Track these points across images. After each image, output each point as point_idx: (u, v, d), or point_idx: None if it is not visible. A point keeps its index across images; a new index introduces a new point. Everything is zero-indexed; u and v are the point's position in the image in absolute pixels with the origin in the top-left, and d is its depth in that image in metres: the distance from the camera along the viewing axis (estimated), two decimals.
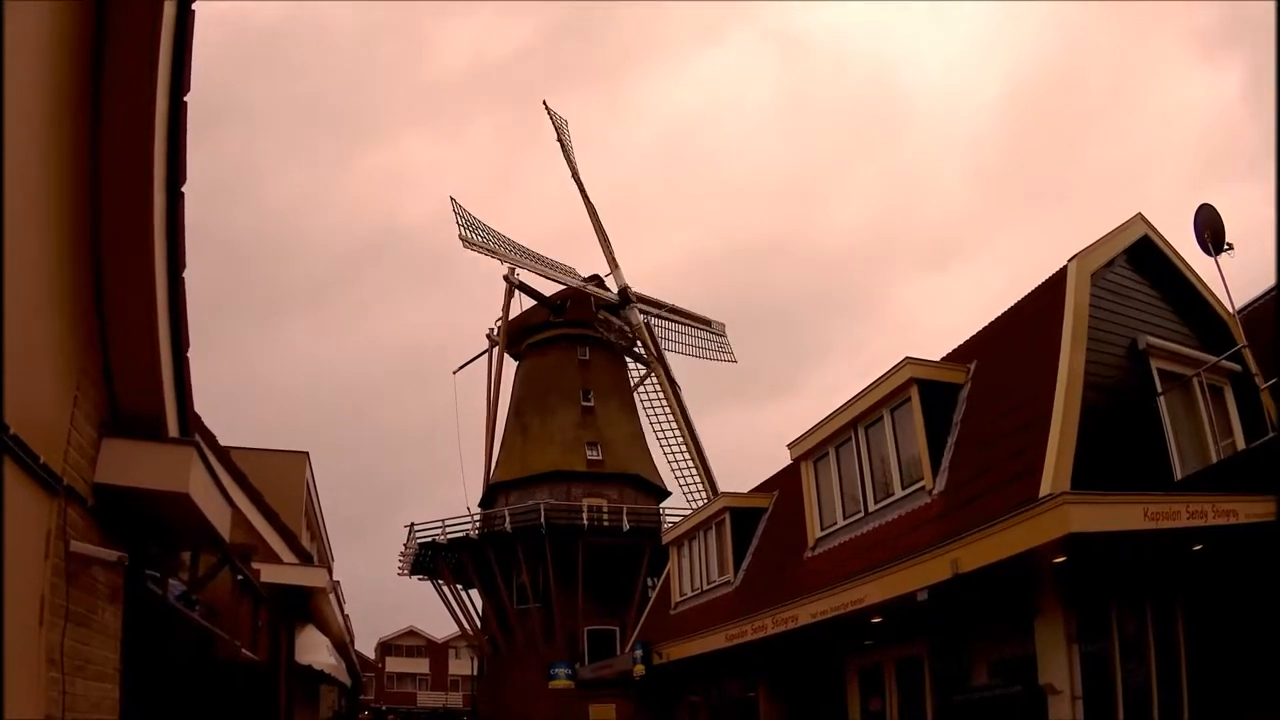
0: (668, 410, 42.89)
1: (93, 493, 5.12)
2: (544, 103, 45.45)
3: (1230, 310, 12.31)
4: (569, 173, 44.96)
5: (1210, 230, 11.20)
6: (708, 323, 45.79)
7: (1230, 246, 11.17)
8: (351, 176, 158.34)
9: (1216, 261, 11.30)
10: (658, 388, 43.27)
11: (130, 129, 4.52)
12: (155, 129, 4.51)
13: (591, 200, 44.52)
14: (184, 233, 5.19)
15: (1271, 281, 13.49)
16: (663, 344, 43.98)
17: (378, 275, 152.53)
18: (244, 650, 9.69)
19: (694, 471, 42.05)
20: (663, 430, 42.86)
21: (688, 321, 45.11)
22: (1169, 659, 9.03)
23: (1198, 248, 11.51)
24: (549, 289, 43.71)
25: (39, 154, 4.20)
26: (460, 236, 40.88)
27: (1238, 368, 11.80)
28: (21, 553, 4.16)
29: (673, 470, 42.34)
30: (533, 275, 43.26)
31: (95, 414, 5.16)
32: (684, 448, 42.38)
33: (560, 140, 45.18)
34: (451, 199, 41.29)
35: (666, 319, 44.27)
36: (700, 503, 39.32)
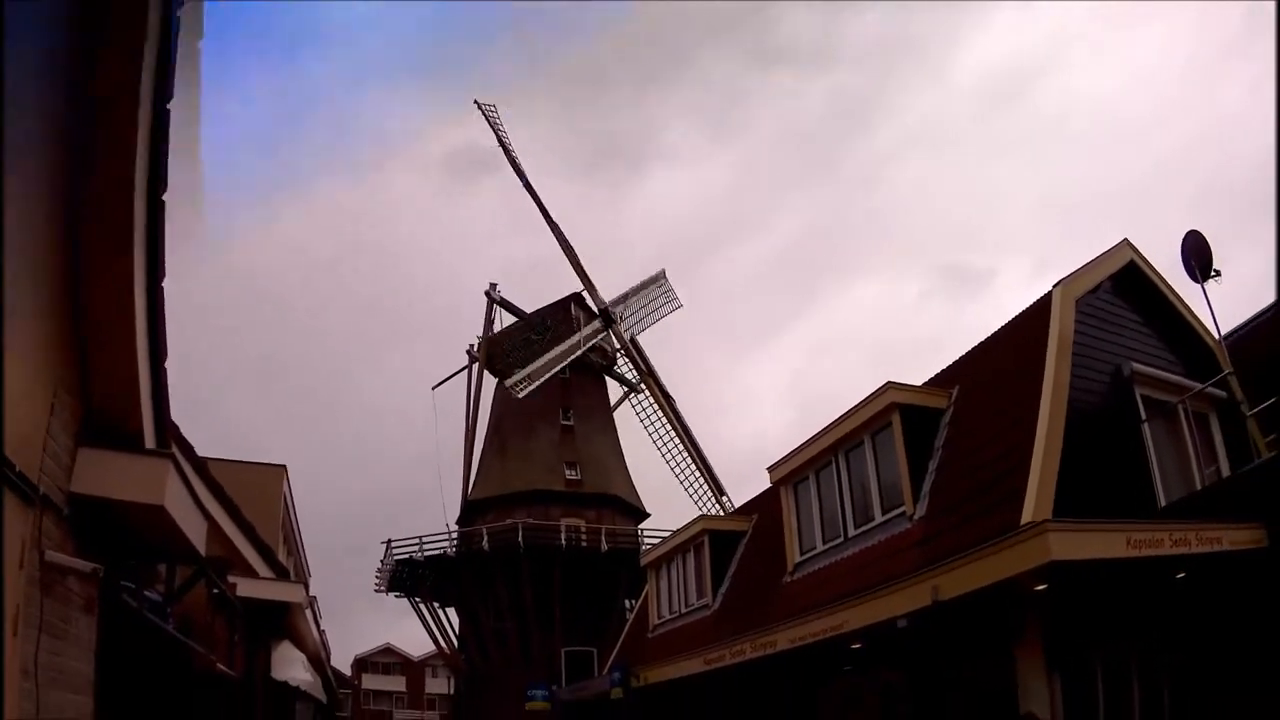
0: (666, 424, 42.66)
1: (69, 502, 5.04)
2: (475, 101, 44.14)
3: (1216, 337, 12.35)
4: (520, 184, 43.62)
5: (1198, 256, 11.24)
6: (656, 279, 45.74)
7: (1218, 273, 11.21)
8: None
9: (1203, 288, 11.33)
10: (651, 403, 42.93)
11: (112, 135, 4.46)
12: (138, 135, 4.45)
13: (554, 218, 43.36)
14: (164, 241, 5.13)
15: (1258, 308, 13.62)
16: (638, 326, 44.09)
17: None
18: (219, 665, 9.55)
19: (699, 478, 42.18)
20: (663, 442, 42.56)
21: (642, 291, 44.94)
22: (1152, 688, 8.99)
23: (1184, 274, 11.54)
24: (529, 307, 43.62)
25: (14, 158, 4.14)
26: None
27: (1223, 394, 11.81)
28: None
29: (680, 481, 42.15)
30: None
31: (72, 423, 5.09)
32: (686, 457, 42.39)
33: (500, 141, 43.75)
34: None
35: (632, 303, 44.14)
36: (711, 508, 39.93)
